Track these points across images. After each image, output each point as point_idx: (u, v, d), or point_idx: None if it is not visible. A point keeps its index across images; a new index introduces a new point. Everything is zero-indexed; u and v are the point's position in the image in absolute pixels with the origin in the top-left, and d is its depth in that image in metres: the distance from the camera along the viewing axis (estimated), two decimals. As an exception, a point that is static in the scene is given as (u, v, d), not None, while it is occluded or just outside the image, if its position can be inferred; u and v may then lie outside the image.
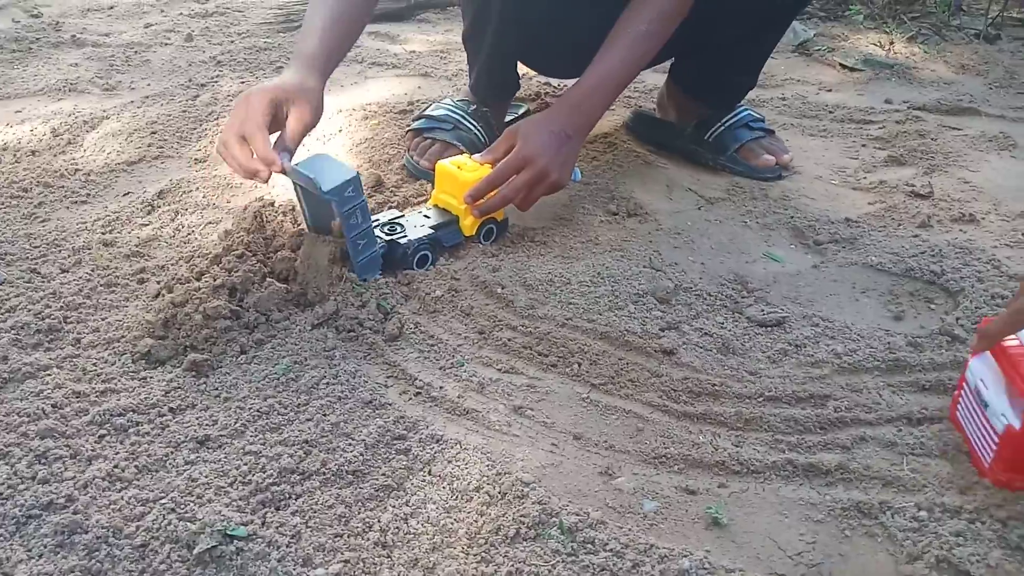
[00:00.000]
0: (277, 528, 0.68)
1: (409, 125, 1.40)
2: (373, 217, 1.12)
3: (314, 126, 1.03)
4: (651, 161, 1.40)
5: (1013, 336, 0.70)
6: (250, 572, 0.64)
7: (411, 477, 0.75)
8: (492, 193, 1.10)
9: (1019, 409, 0.67)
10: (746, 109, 1.39)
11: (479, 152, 1.18)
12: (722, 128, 1.36)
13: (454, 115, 1.36)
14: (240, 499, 0.71)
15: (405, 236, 1.07)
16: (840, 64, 1.90)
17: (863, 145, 1.48)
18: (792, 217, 1.21)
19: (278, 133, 1.00)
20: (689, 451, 0.79)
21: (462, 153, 1.32)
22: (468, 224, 1.12)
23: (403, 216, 1.12)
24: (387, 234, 1.07)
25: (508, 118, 1.47)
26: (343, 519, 0.70)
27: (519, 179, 1.08)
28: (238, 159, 0.95)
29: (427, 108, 1.40)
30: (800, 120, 1.62)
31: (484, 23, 1.27)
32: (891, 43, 1.99)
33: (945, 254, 1.06)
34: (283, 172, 0.98)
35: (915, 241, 1.11)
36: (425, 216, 1.12)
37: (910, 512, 0.69)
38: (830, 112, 1.64)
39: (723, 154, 1.35)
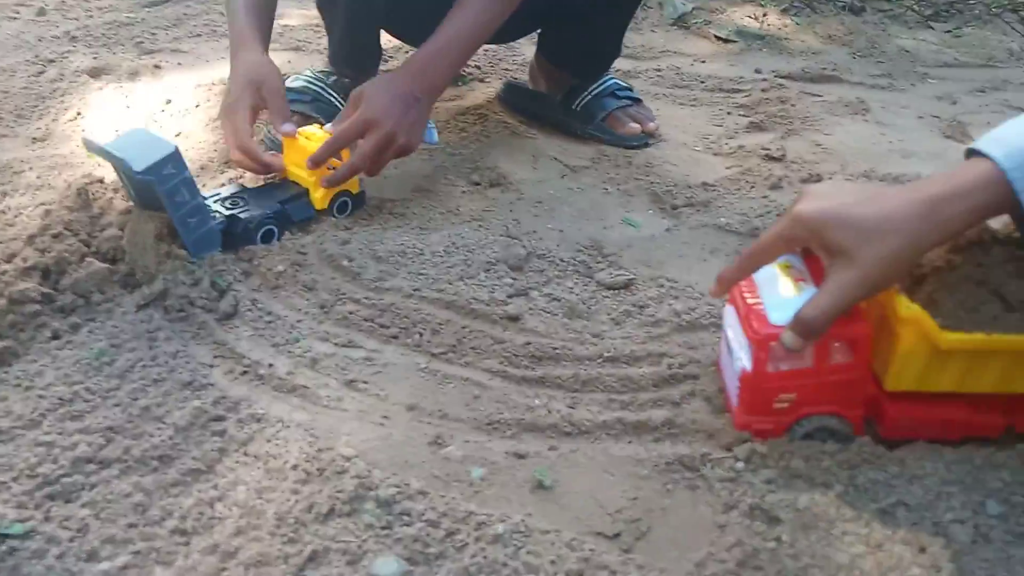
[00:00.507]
0: (61, 522, 0.63)
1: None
2: (215, 191, 1.06)
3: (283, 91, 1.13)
4: (520, 132, 1.38)
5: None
6: (23, 573, 0.59)
7: (223, 459, 0.70)
8: (336, 163, 1.06)
9: (751, 352, 0.68)
10: (612, 78, 1.39)
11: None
12: (589, 97, 1.36)
13: (313, 87, 1.31)
14: (23, 493, 0.65)
15: (248, 210, 1.02)
16: (715, 36, 1.93)
17: (728, 113, 1.50)
18: (652, 183, 1.22)
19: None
20: (523, 415, 0.77)
21: (323, 125, 1.27)
22: (319, 197, 1.07)
23: (247, 190, 1.07)
24: (228, 208, 1.02)
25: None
26: (140, 508, 0.65)
27: (365, 144, 1.04)
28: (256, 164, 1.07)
29: (285, 80, 1.34)
30: (672, 90, 1.63)
31: None
32: (765, 15, 2.03)
33: (792, 213, 1.07)
34: (101, 154, 0.93)
35: (764, 202, 1.12)
36: (273, 189, 1.07)
37: (728, 463, 0.69)
38: (702, 82, 1.66)
39: (590, 123, 1.35)
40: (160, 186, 0.89)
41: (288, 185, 1.08)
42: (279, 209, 1.03)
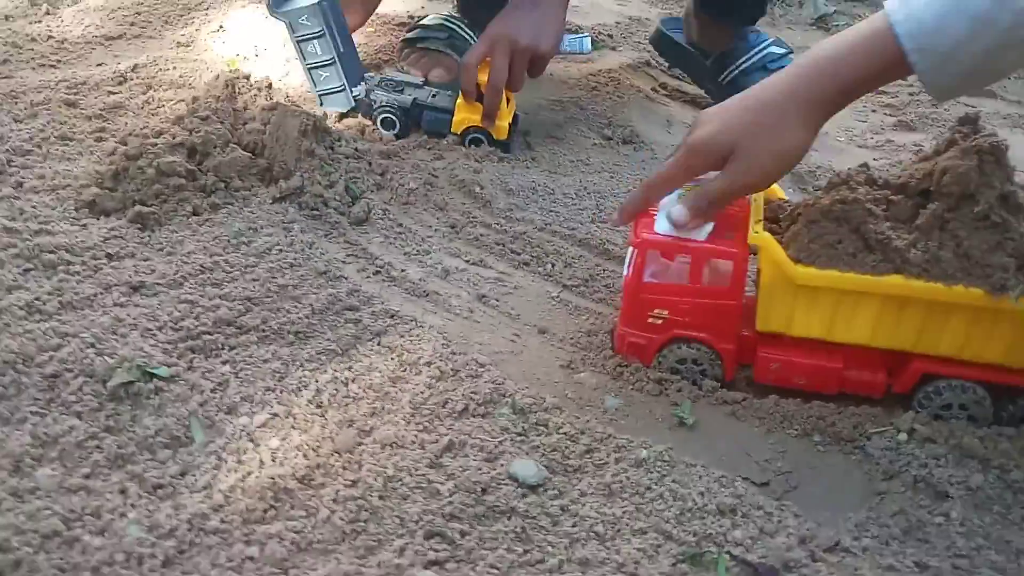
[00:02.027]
0: (203, 374, 0.62)
1: (405, 34, 1.33)
2: (399, 74, 1.11)
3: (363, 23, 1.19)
4: (654, 98, 1.34)
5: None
6: (167, 413, 0.58)
7: (358, 345, 0.69)
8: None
9: (632, 258, 0.66)
10: (769, 45, 1.25)
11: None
12: (736, 71, 1.26)
13: (449, 24, 1.29)
14: (168, 343, 0.64)
15: (388, 94, 1.05)
16: (856, 39, 1.85)
17: (873, 111, 1.43)
18: (794, 163, 1.16)
19: None
20: (660, 357, 0.73)
21: (456, 61, 1.26)
22: (458, 120, 1.06)
23: (421, 86, 1.08)
24: (379, 87, 1.06)
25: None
26: (277, 375, 0.63)
27: (493, 58, 1.02)
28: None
29: (422, 19, 1.33)
30: (810, 83, 1.56)
31: None
32: (910, 25, 1.94)
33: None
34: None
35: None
36: (434, 95, 1.08)
37: (889, 434, 0.64)
38: (841, 79, 1.58)
39: None
40: (293, 32, 0.94)
41: (447, 99, 1.07)
42: (407, 107, 1.05)
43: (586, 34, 1.11)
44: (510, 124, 1.07)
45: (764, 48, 1.25)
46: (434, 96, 1.07)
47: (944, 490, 0.59)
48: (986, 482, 0.59)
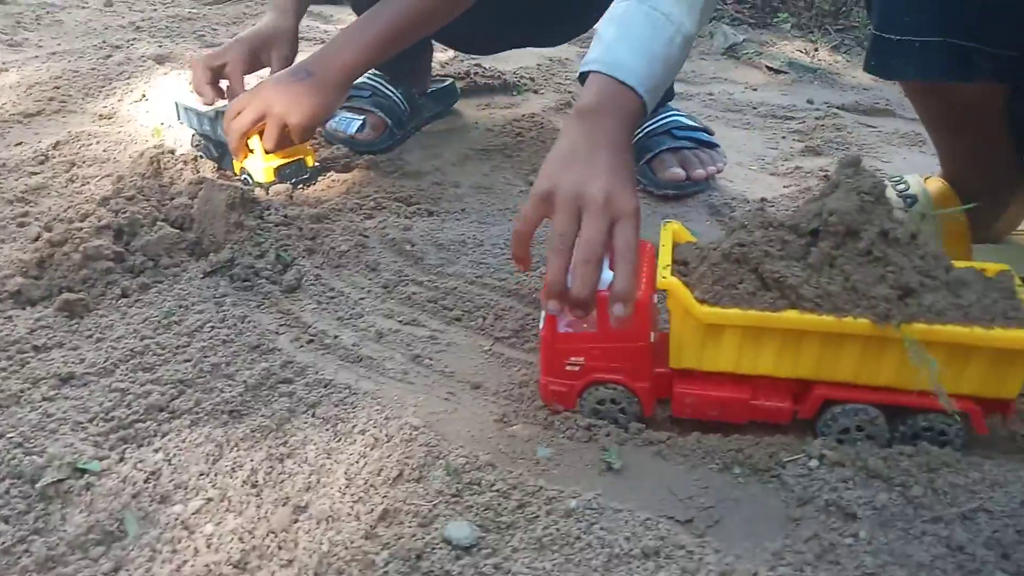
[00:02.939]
0: (136, 464, 0.62)
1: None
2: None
3: (293, 61, 1.18)
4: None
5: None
6: (99, 509, 0.59)
7: (292, 419, 0.70)
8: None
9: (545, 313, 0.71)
10: (675, 115, 1.25)
11: (400, 121, 1.24)
12: (641, 134, 1.23)
13: (371, 82, 1.33)
14: (98, 435, 0.65)
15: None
16: (767, 67, 1.94)
17: (783, 137, 1.50)
18: (709, 196, 1.22)
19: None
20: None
21: (383, 119, 1.29)
22: (264, 169, 1.10)
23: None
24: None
25: (433, 88, 1.44)
26: (211, 457, 0.64)
27: (244, 112, 1.06)
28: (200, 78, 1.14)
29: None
30: (725, 114, 1.64)
31: None
32: (816, 51, 2.05)
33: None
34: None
35: (825, 218, 1.12)
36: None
37: (801, 461, 0.68)
38: (754, 108, 1.66)
39: (636, 163, 1.20)
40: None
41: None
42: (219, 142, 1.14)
43: (357, 117, 1.27)
44: (282, 168, 1.11)
45: (670, 116, 1.24)
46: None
47: (853, 511, 0.63)
48: (890, 500, 0.63)
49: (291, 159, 1.11)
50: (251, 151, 1.09)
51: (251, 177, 1.10)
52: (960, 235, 0.92)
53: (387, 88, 1.31)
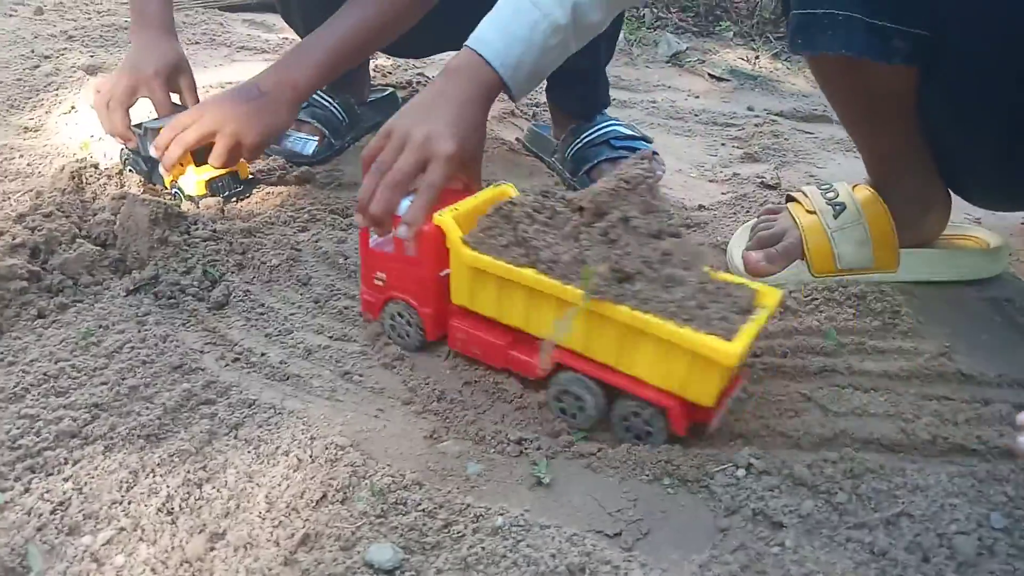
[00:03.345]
0: (42, 495, 0.60)
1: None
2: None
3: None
4: (517, 149, 1.39)
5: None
6: (1, 543, 0.56)
7: (213, 441, 0.68)
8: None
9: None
10: (614, 124, 1.25)
11: (337, 132, 1.25)
12: (580, 144, 1.24)
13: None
14: (3, 465, 0.62)
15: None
16: (709, 74, 1.97)
17: (722, 144, 1.52)
18: (649, 203, 1.22)
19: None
20: (520, 414, 0.75)
21: (320, 130, 1.27)
22: (195, 182, 1.07)
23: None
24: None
25: (372, 97, 1.43)
26: (125, 485, 0.62)
27: (191, 128, 1.03)
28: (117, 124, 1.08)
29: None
30: (667, 121, 1.65)
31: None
32: (757, 58, 2.08)
33: (787, 237, 1.08)
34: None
35: (760, 225, 1.13)
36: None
37: (729, 471, 0.68)
38: (696, 115, 1.68)
39: (576, 174, 1.24)
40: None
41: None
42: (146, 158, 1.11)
43: (309, 137, 1.24)
44: (214, 180, 1.08)
45: (609, 125, 1.25)
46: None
47: (780, 520, 0.63)
48: (816, 507, 0.64)
49: (223, 171, 1.08)
50: (182, 165, 1.06)
51: (182, 191, 1.07)
52: (887, 240, 0.94)
53: (324, 99, 1.30)
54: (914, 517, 0.63)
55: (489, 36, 0.84)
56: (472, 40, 0.85)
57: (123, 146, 1.13)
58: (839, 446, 0.70)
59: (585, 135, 1.24)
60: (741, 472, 0.67)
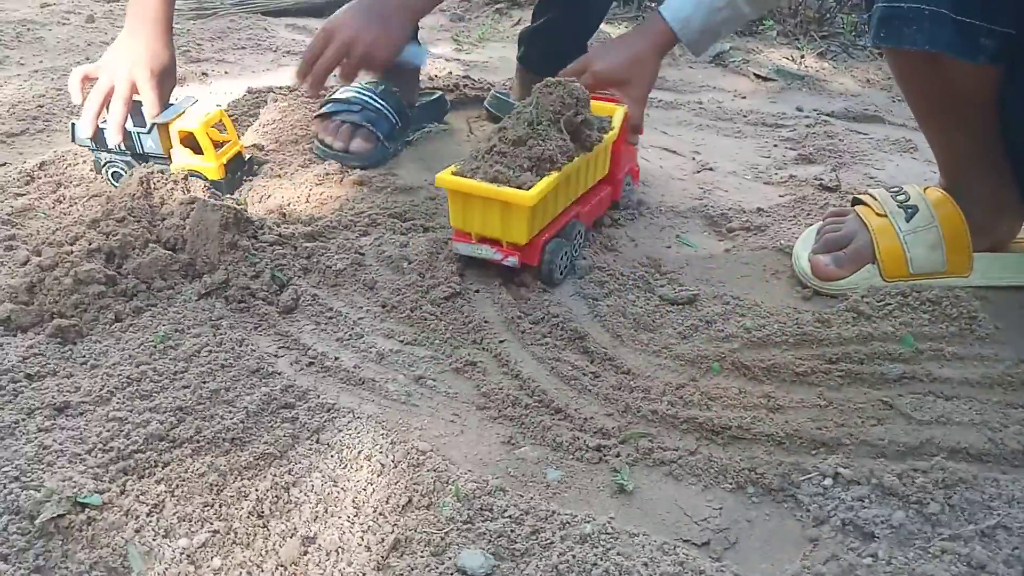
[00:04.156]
0: (138, 497, 0.61)
1: (317, 110, 1.34)
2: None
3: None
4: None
5: None
6: (102, 544, 0.57)
7: (296, 446, 0.68)
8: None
9: None
10: None
11: (391, 135, 1.26)
12: None
13: (361, 96, 1.31)
14: (98, 466, 0.63)
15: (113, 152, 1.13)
16: (754, 74, 1.95)
17: (775, 145, 1.50)
18: (706, 206, 1.21)
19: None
20: (598, 421, 0.75)
21: (373, 132, 1.27)
22: (174, 168, 1.10)
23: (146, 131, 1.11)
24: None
25: (422, 101, 1.43)
26: (215, 488, 0.63)
27: (327, 52, 1.07)
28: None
29: (334, 92, 1.35)
30: (716, 122, 1.64)
31: None
32: (802, 57, 2.06)
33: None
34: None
35: (823, 228, 1.12)
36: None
37: (816, 479, 0.67)
38: (744, 116, 1.67)
39: None
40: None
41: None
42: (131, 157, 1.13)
43: (421, 45, 1.32)
44: (229, 163, 1.11)
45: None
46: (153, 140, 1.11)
47: (871, 531, 0.62)
48: (907, 518, 0.63)
49: (231, 153, 1.12)
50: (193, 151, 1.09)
51: (203, 177, 1.10)
52: (961, 244, 0.92)
53: (377, 101, 1.30)
54: (1011, 529, 0.61)
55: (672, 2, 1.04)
56: (661, 5, 1.05)
57: (96, 151, 1.13)
58: (927, 455, 0.69)
59: None
60: (828, 481, 0.66)
